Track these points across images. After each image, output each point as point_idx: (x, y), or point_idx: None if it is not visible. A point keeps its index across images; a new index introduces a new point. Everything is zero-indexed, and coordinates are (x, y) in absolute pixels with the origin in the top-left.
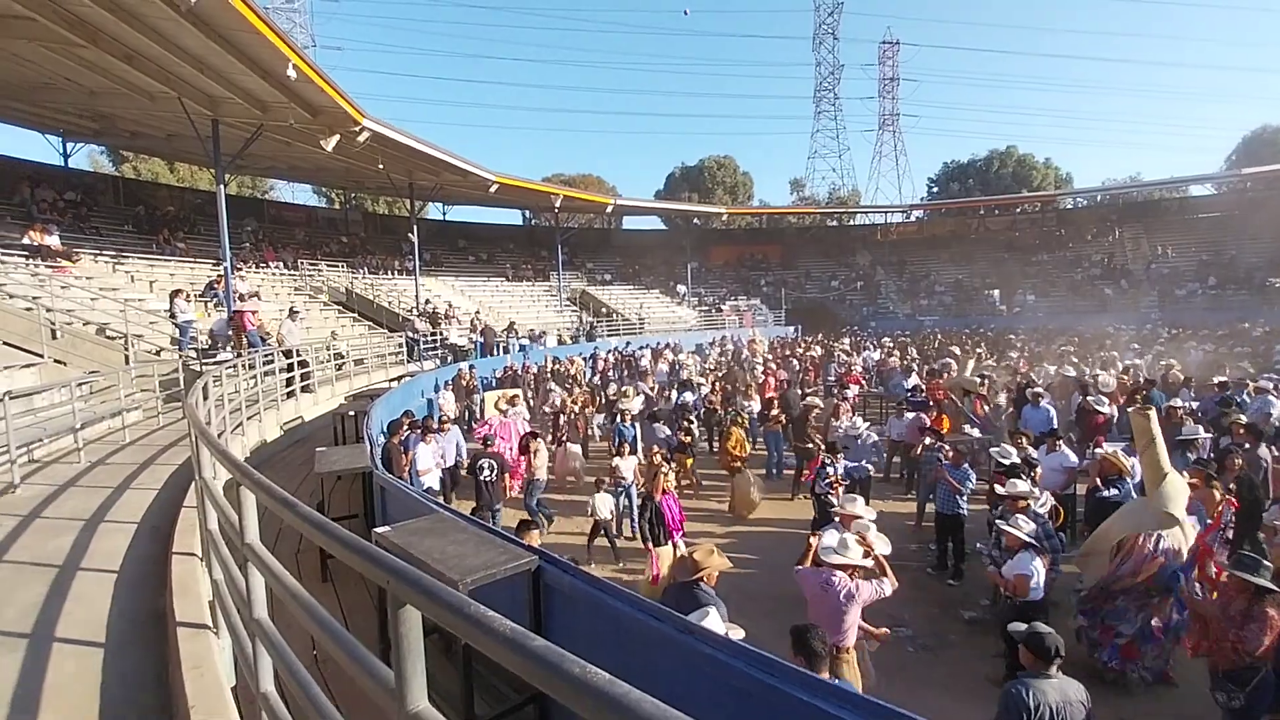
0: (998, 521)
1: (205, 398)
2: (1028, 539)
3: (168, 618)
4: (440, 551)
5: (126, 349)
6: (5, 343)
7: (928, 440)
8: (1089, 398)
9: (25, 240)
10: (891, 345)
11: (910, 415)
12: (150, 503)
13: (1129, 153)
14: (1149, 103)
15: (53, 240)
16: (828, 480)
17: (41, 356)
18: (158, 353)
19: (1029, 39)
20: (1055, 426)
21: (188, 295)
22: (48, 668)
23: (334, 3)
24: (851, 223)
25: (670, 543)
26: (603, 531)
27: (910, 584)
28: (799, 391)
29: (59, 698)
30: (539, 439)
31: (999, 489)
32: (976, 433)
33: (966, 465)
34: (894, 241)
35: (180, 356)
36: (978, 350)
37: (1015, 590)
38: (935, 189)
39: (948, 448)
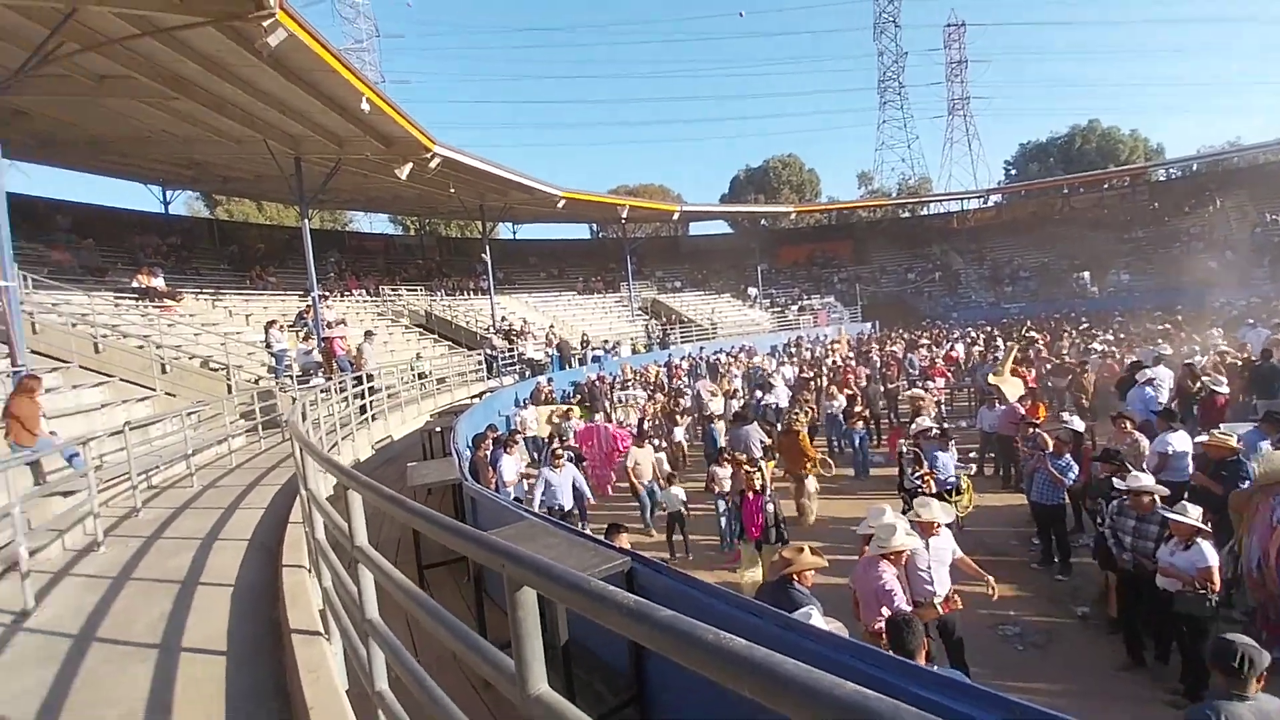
0: (1161, 509)
1: (304, 417)
2: (1201, 525)
3: (282, 627)
4: None
5: (228, 379)
6: (122, 379)
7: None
8: (1205, 378)
9: (135, 284)
10: (977, 336)
11: (1001, 406)
12: (258, 521)
13: (1224, 118)
14: (1242, 62)
15: (158, 282)
16: (919, 475)
17: (154, 390)
18: (256, 381)
19: (1102, 5)
20: (1168, 408)
21: (281, 326)
22: (177, 675)
23: (399, 39)
24: (925, 213)
25: (750, 541)
26: (678, 525)
27: (1015, 579)
28: (881, 388)
29: (190, 703)
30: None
31: (1117, 482)
32: (1077, 420)
33: (1069, 455)
34: (971, 229)
35: (277, 384)
36: (1009, 343)
37: (1207, 584)
38: (1014, 171)
39: (1045, 436)
